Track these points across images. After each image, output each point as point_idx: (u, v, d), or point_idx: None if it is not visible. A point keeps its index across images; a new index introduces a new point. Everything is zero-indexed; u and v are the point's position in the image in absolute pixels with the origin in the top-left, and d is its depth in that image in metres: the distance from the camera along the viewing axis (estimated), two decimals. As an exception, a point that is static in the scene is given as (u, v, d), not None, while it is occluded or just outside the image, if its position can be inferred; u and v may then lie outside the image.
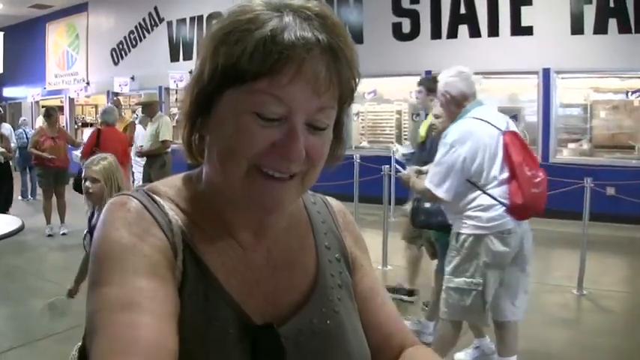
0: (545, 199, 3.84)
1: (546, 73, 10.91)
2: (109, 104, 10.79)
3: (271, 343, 1.09)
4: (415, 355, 1.25)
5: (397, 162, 4.71)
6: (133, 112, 15.83)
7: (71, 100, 20.72)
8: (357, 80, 1.08)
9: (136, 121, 10.97)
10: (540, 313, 5.92)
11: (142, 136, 9.49)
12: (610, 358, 4.89)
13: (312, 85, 0.99)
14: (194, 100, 1.07)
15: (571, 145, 11.18)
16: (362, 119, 13.72)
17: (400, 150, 6.41)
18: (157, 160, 9.01)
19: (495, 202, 3.76)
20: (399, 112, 13.17)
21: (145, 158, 9.33)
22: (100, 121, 9.34)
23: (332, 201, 1.38)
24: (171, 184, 1.17)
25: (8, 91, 22.01)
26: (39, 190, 10.74)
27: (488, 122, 3.85)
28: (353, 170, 9.60)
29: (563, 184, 7.77)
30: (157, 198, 1.12)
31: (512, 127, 3.94)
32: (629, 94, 10.83)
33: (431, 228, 4.67)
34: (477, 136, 3.81)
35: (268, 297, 1.15)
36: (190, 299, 1.06)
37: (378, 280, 1.38)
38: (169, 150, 9.08)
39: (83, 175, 3.99)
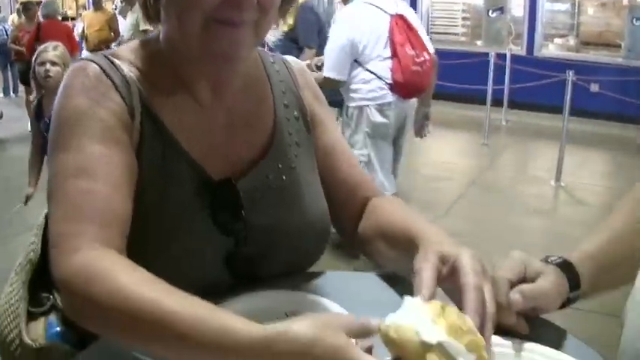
0: (428, 78, 4.17)
1: (534, -35, 10.66)
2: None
3: (228, 197, 1.14)
4: (381, 204, 1.29)
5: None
6: (113, 2, 15.46)
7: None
8: None
9: (116, 12, 10.70)
10: (517, 202, 6.06)
11: (123, 27, 9.27)
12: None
13: None
14: None
15: (557, 41, 11.07)
16: None
17: (269, 37, 6.49)
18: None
19: (375, 77, 4.07)
20: None
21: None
22: (40, 14, 9.21)
23: (291, 60, 1.39)
24: (130, 47, 1.19)
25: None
26: (21, 88, 10.55)
27: (377, 6, 4.07)
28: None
29: (547, 78, 7.77)
30: (116, 61, 1.13)
31: (402, 10, 4.18)
32: (619, -9, 10.64)
33: (337, 106, 4.95)
34: (361, 19, 4.05)
35: (228, 155, 1.18)
36: (147, 158, 1.09)
37: (340, 135, 1.40)
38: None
39: (40, 60, 3.92)
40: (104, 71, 1.10)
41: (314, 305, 1.08)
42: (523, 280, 1.03)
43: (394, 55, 3.99)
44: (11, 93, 13.23)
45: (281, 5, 1.15)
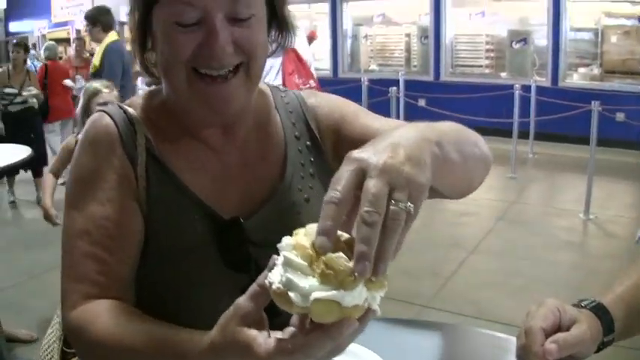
0: None
1: (557, -5, 10.65)
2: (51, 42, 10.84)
3: (236, 235, 1.16)
4: None
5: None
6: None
7: (78, 32, 20.49)
8: None
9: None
10: (546, 236, 5.98)
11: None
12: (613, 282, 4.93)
13: None
14: (136, 23, 1.14)
15: (581, 70, 11.03)
16: (370, 42, 13.48)
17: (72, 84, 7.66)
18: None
19: None
20: (407, 35, 12.91)
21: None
22: (43, 56, 10.02)
23: (302, 92, 1.39)
24: (143, 96, 1.25)
25: (14, 26, 21.71)
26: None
27: None
28: (361, 93, 9.43)
29: (572, 109, 7.71)
30: (129, 110, 1.19)
31: (295, 44, 4.73)
32: (642, 19, 10.60)
33: None
34: None
35: (241, 194, 1.21)
36: (157, 203, 1.14)
37: (370, 119, 1.30)
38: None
39: (100, 100, 3.59)
40: (114, 122, 1.16)
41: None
42: (558, 328, 1.04)
43: (283, 83, 4.46)
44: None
45: (274, 36, 1.20)
